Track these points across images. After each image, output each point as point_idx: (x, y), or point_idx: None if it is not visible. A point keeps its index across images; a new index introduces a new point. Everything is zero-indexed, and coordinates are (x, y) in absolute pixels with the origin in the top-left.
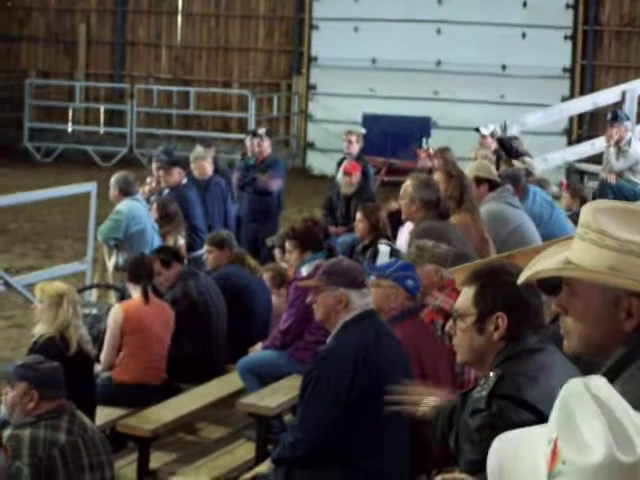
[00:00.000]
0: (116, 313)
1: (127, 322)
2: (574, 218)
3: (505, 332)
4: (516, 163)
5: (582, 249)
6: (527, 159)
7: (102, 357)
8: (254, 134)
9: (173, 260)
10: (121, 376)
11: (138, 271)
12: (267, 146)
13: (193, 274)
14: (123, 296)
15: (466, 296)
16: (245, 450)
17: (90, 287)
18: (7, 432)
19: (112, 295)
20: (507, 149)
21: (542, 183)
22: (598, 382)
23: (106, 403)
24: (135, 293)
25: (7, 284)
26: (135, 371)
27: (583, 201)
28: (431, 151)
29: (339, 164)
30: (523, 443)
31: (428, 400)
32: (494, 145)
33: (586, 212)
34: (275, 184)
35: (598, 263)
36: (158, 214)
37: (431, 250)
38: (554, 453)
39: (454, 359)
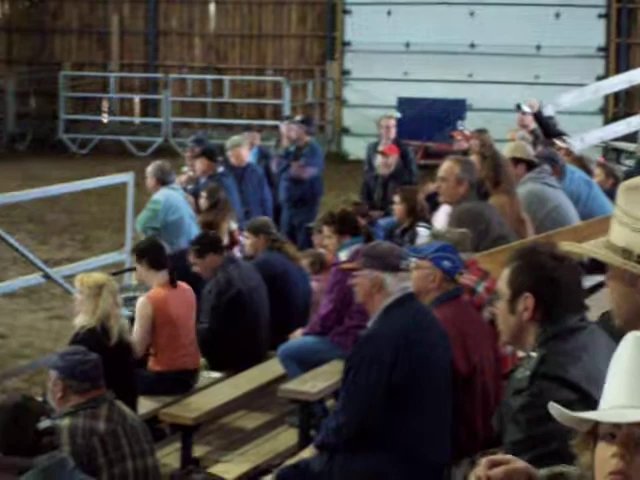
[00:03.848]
0: (144, 306)
1: (157, 315)
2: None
3: (533, 312)
4: (558, 142)
5: (614, 228)
6: (567, 139)
7: (136, 345)
8: (292, 120)
9: (209, 250)
10: (156, 367)
11: (159, 258)
12: (303, 133)
13: (234, 262)
14: None
15: (503, 277)
16: (288, 436)
17: (127, 270)
18: (47, 422)
19: None
20: (543, 125)
21: (583, 162)
22: None
23: (146, 393)
24: (155, 280)
25: (46, 276)
26: (169, 363)
27: (616, 181)
28: (467, 132)
29: (374, 149)
30: None
31: None
32: (532, 124)
33: (619, 190)
34: (308, 172)
35: (619, 241)
36: (208, 202)
37: (443, 236)
38: None
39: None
